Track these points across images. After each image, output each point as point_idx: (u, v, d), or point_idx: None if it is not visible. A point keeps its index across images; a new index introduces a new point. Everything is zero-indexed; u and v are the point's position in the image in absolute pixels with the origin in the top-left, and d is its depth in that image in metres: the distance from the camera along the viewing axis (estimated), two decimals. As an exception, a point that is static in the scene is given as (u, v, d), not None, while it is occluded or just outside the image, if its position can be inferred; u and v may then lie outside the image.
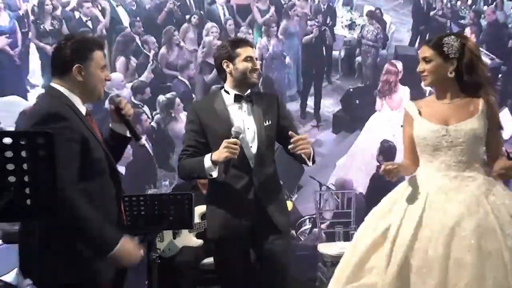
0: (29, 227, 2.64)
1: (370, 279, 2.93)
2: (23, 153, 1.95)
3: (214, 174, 3.21)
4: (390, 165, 2.97)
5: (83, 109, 2.76)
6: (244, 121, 3.33)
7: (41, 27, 6.30)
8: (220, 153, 3.14)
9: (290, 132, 3.19)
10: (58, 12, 6.41)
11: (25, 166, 1.95)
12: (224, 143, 3.13)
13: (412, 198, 2.99)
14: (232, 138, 3.13)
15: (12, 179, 1.94)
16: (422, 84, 3.14)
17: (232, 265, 3.39)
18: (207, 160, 3.19)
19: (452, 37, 3.01)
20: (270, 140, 3.40)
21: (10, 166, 1.94)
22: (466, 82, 2.99)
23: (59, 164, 2.36)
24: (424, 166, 3.07)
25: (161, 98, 6.67)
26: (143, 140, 3.05)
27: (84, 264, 2.62)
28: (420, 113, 3.08)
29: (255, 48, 3.67)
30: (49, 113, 2.59)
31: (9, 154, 1.93)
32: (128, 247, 2.66)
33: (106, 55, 2.96)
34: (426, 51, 3.04)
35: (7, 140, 1.93)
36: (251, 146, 3.34)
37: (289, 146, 3.16)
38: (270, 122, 3.39)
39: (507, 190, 3.02)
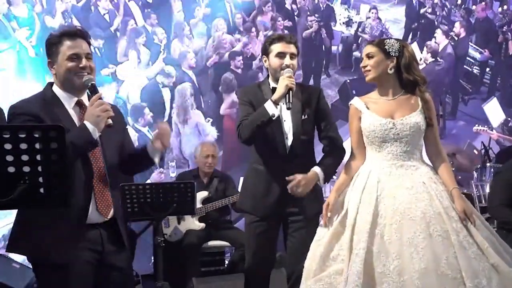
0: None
1: (336, 266, 2.92)
2: (37, 145, 1.94)
3: (276, 112, 3.19)
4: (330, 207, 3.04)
5: (68, 101, 2.71)
6: (282, 112, 3.31)
7: (51, 22, 6.27)
8: (280, 88, 3.17)
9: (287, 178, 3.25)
10: (68, 7, 6.38)
11: (38, 157, 1.94)
12: (281, 79, 3.18)
13: (364, 186, 3.00)
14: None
15: (26, 169, 1.94)
16: (366, 79, 3.17)
17: (258, 239, 3.41)
18: (267, 103, 3.20)
19: (393, 40, 3.13)
20: (306, 133, 3.38)
21: (25, 157, 1.94)
22: (404, 80, 3.07)
23: None
24: (373, 156, 3.09)
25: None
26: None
27: (65, 245, 2.57)
28: (367, 107, 3.11)
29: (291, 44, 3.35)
30: (14, 107, 2.62)
31: (24, 146, 1.93)
32: (93, 111, 2.57)
33: (87, 43, 2.62)
34: (369, 48, 3.11)
35: (22, 134, 1.92)
36: (286, 138, 3.34)
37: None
38: (307, 117, 3.37)
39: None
